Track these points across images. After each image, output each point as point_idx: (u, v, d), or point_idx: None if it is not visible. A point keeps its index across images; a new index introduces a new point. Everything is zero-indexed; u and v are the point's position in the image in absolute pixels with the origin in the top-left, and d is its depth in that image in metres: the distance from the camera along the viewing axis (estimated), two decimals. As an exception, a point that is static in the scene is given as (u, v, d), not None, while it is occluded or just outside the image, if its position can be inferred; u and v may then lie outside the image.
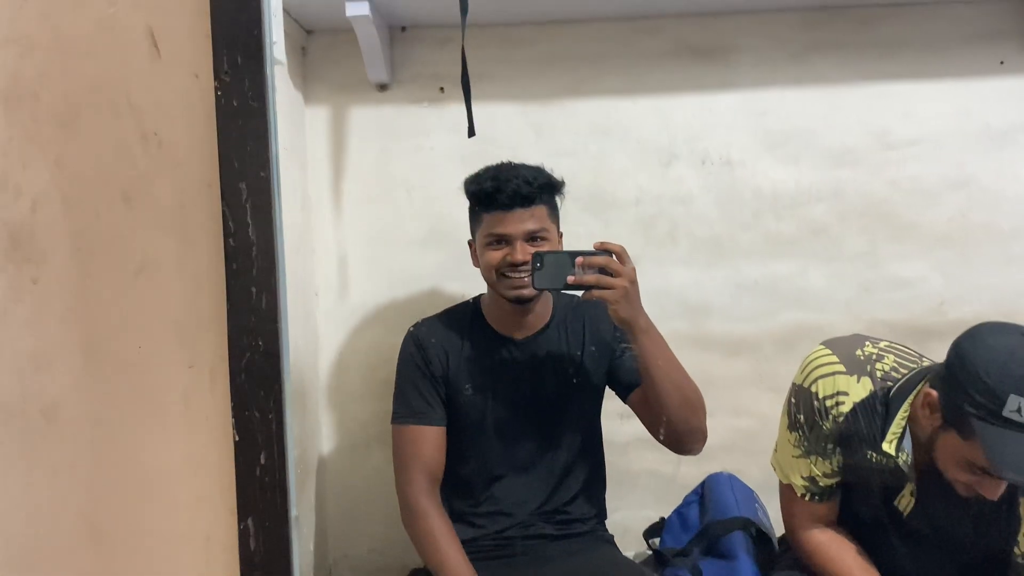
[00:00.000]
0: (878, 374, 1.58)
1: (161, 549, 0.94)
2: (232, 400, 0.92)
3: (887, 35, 2.14)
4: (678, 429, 1.67)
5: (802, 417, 1.63)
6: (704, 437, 1.71)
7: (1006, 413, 1.33)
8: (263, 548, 0.92)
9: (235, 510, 0.92)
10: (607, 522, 1.90)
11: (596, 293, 1.57)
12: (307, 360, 2.14)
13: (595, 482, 1.87)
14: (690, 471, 2.18)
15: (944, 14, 2.12)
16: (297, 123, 2.15)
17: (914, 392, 1.52)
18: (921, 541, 1.62)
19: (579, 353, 1.80)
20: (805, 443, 1.64)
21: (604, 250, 1.59)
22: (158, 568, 0.94)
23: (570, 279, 1.57)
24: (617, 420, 2.02)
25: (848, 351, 1.62)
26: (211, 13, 0.91)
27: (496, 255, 1.70)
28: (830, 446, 1.62)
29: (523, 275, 1.67)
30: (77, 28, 0.94)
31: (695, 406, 1.68)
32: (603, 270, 1.57)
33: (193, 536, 0.93)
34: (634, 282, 1.58)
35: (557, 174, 1.74)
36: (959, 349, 1.42)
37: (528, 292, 1.70)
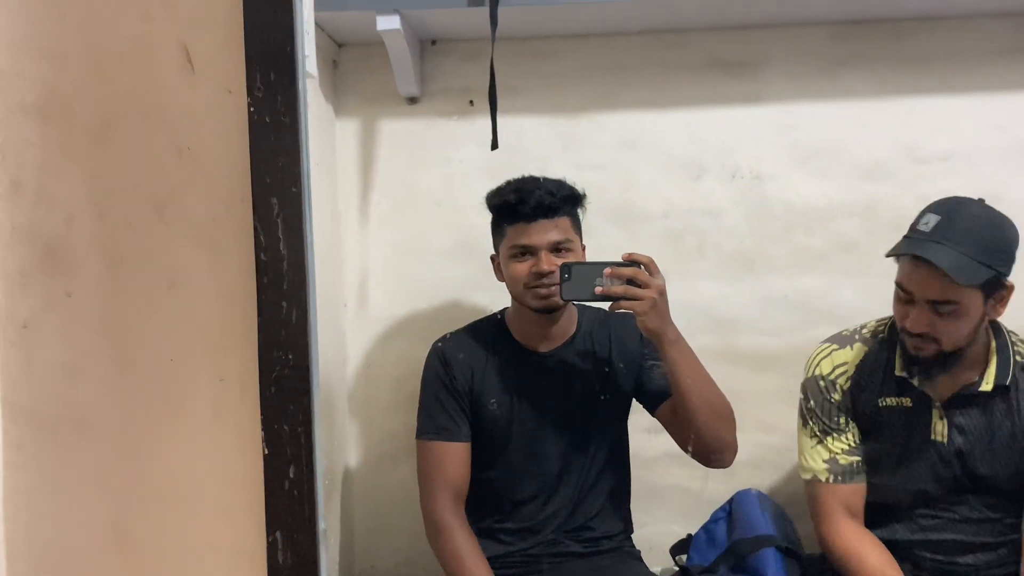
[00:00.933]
0: (866, 334, 1.78)
1: (189, 561, 0.95)
2: (262, 413, 0.92)
3: (918, 49, 2.12)
4: (708, 442, 1.67)
5: (812, 403, 1.76)
6: (735, 449, 1.70)
7: (918, 227, 1.59)
8: (291, 561, 0.92)
9: (263, 523, 0.92)
10: (634, 537, 1.89)
11: (624, 304, 1.57)
12: (335, 371, 2.15)
13: (621, 496, 1.87)
14: (718, 487, 2.17)
15: (975, 28, 2.10)
16: (327, 135, 2.16)
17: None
18: (970, 464, 1.67)
19: (605, 365, 1.80)
20: (819, 427, 1.74)
21: (632, 261, 1.58)
22: (187, 580, 0.95)
23: (598, 290, 1.57)
24: (645, 435, 2.02)
25: (836, 335, 1.81)
26: (244, 29, 0.91)
27: (522, 267, 1.70)
28: (842, 419, 1.73)
29: (550, 285, 1.68)
30: (112, 43, 0.95)
31: (725, 418, 1.68)
32: (631, 281, 1.56)
33: (221, 548, 0.94)
34: (663, 293, 1.58)
35: (580, 187, 1.74)
36: None
37: (555, 301, 1.70)
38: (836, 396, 1.74)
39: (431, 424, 1.78)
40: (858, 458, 1.73)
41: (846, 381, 1.74)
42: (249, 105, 0.92)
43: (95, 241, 0.95)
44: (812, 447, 1.76)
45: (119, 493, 0.95)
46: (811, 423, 1.77)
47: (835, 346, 1.79)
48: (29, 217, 0.95)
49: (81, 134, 0.95)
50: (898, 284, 1.62)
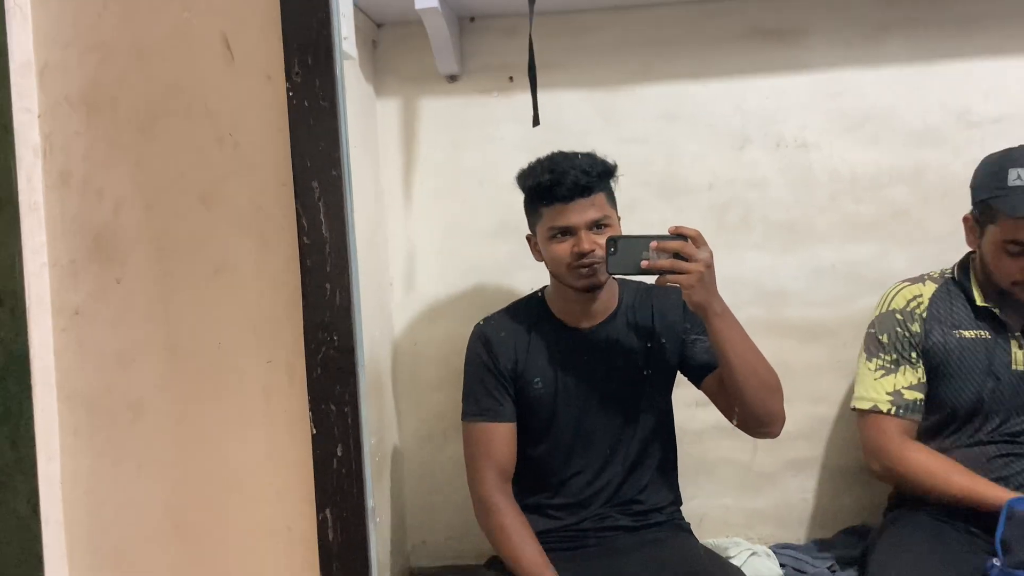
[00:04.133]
0: (935, 275, 1.88)
1: (242, 540, 0.97)
2: (309, 394, 0.94)
3: (966, 11, 2.07)
4: (755, 413, 1.66)
5: (885, 337, 1.84)
6: (782, 420, 1.69)
7: (1011, 183, 1.68)
8: (341, 538, 0.94)
9: (313, 501, 0.94)
10: (683, 510, 1.89)
11: (670, 278, 1.56)
12: (382, 351, 2.17)
13: (669, 469, 1.86)
14: (766, 459, 2.16)
15: (1025, -13, 2.05)
16: (368, 116, 2.17)
17: (970, 258, 1.84)
18: None
19: (648, 340, 1.79)
20: (890, 359, 1.82)
21: (679, 234, 1.57)
22: (240, 559, 0.97)
23: (644, 264, 1.56)
24: (692, 408, 2.01)
25: (906, 279, 1.90)
26: (282, 15, 0.92)
27: (562, 247, 1.70)
28: (914, 354, 1.81)
29: (591, 264, 1.67)
30: (154, 34, 0.97)
31: (772, 389, 1.66)
32: (678, 255, 1.55)
33: (273, 527, 0.96)
34: (710, 266, 1.56)
35: (611, 159, 1.73)
36: (975, 171, 1.78)
37: (599, 279, 1.70)
38: (915, 327, 1.82)
39: (475, 406, 1.79)
40: (920, 395, 1.79)
41: (923, 311, 1.82)
42: (288, 90, 0.93)
43: (142, 230, 0.97)
44: (876, 379, 1.83)
45: (173, 475, 0.97)
46: (880, 356, 1.84)
47: (907, 283, 1.88)
48: (78, 207, 0.97)
49: (126, 125, 0.97)
50: (1013, 240, 1.69)
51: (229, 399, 0.96)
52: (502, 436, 1.77)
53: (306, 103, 0.92)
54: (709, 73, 2.15)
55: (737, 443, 2.10)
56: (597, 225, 1.68)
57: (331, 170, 0.93)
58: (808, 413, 2.13)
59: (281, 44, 0.93)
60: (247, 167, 0.95)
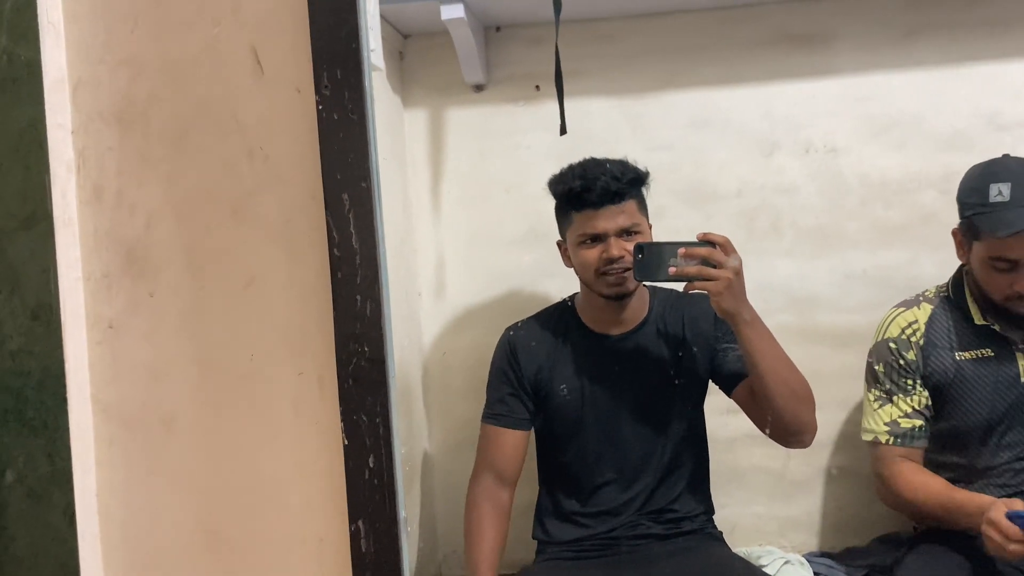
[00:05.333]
0: (930, 295, 1.85)
1: (276, 552, 0.97)
2: (340, 405, 0.94)
3: (993, 14, 2.05)
4: (786, 422, 1.64)
5: (880, 367, 1.81)
6: (814, 430, 1.67)
7: (992, 199, 1.65)
8: (373, 549, 0.94)
9: (345, 513, 0.94)
10: (715, 519, 1.88)
11: (698, 285, 1.55)
12: (411, 360, 2.18)
13: (700, 478, 1.85)
14: (799, 467, 2.14)
15: (1055, -11, 2.03)
16: (396, 126, 2.18)
17: (964, 272, 1.80)
18: None
19: (679, 348, 1.78)
20: (883, 389, 1.80)
21: (707, 241, 1.56)
22: (272, 571, 0.97)
23: (672, 271, 1.55)
24: (723, 416, 2.00)
25: (901, 301, 1.87)
26: (311, 29, 0.93)
27: (591, 254, 1.69)
28: (909, 381, 1.78)
29: (621, 271, 1.67)
30: (184, 49, 0.98)
31: (803, 398, 1.64)
32: (706, 262, 1.54)
33: (306, 539, 0.96)
34: (739, 273, 1.55)
35: (643, 166, 1.73)
36: (959, 185, 1.75)
37: (628, 287, 1.69)
38: (910, 355, 1.78)
39: (488, 408, 1.83)
40: (920, 422, 1.77)
41: (920, 338, 1.79)
42: (318, 103, 0.93)
43: (174, 244, 0.98)
44: (875, 409, 1.81)
45: (206, 487, 0.98)
46: (876, 386, 1.82)
47: (902, 309, 1.84)
48: (111, 222, 0.98)
49: (157, 140, 0.98)
50: (999, 258, 1.66)
51: (261, 411, 0.97)
52: (506, 441, 1.79)
53: (335, 116, 0.93)
54: (736, 79, 2.14)
55: (769, 451, 2.08)
56: (627, 232, 1.68)
57: (361, 182, 0.93)
58: (840, 420, 2.11)
59: (310, 58, 0.93)
60: (277, 180, 0.96)
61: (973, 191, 1.69)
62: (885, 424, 1.79)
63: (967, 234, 1.73)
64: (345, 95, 0.93)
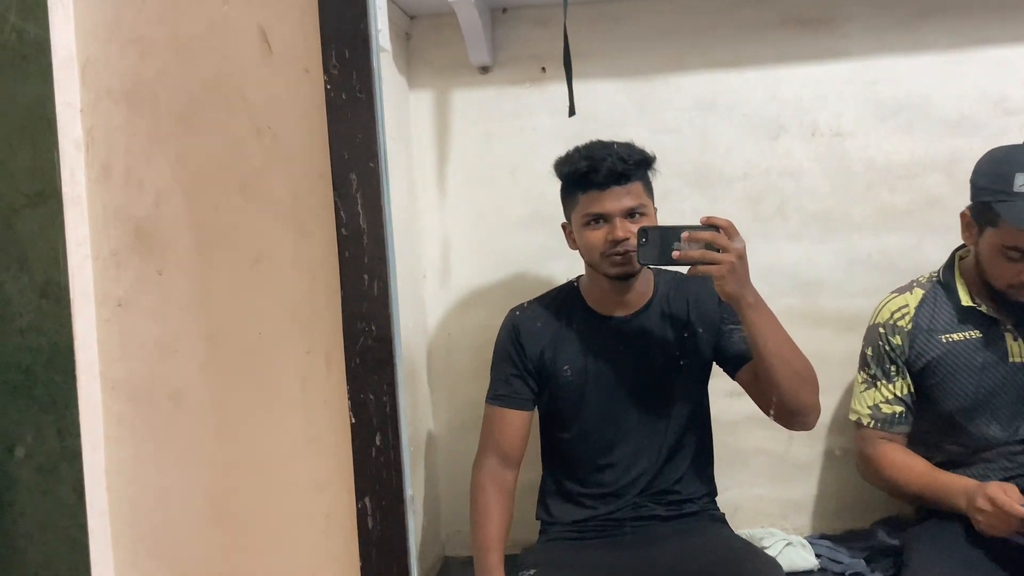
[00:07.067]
0: (923, 280, 1.87)
1: (283, 529, 0.98)
2: (348, 384, 0.95)
3: (1003, -3, 2.04)
4: (789, 405, 1.65)
5: (870, 351, 1.86)
6: (817, 412, 1.68)
7: (1016, 188, 1.63)
8: (380, 526, 0.95)
9: (352, 490, 0.95)
10: (718, 501, 1.89)
11: (702, 268, 1.55)
12: (416, 341, 2.18)
13: (704, 460, 1.86)
14: (801, 450, 2.15)
15: (1065, -29, 2.01)
16: (402, 108, 2.18)
17: (957, 255, 1.84)
18: None
19: (683, 330, 1.79)
20: (871, 372, 1.84)
21: (711, 225, 1.56)
22: (281, 547, 0.98)
23: (675, 254, 1.55)
24: (726, 398, 2.00)
25: (898, 287, 1.90)
26: (319, 9, 0.93)
27: (596, 235, 1.70)
28: (893, 368, 1.82)
29: (625, 252, 1.67)
30: (193, 28, 0.98)
31: (807, 381, 1.65)
32: (710, 245, 1.55)
33: (313, 516, 0.97)
34: (742, 257, 1.55)
35: (650, 149, 1.73)
36: (975, 166, 1.74)
37: (632, 268, 1.70)
38: (896, 340, 1.82)
39: (492, 389, 1.84)
40: (901, 409, 1.81)
41: (908, 323, 1.82)
42: (326, 83, 0.94)
43: (183, 222, 0.98)
44: (861, 392, 1.86)
45: (215, 464, 0.98)
46: (864, 369, 1.87)
47: (895, 294, 1.88)
48: (119, 200, 0.99)
49: (166, 118, 0.98)
50: (1014, 247, 1.65)
51: (268, 389, 0.98)
52: (510, 422, 1.80)
53: (343, 96, 0.93)
54: (743, 62, 2.13)
55: (772, 433, 2.09)
56: (632, 213, 1.68)
57: (368, 162, 0.93)
58: (844, 403, 2.11)
59: (319, 37, 0.93)
60: (285, 159, 0.96)
61: (996, 177, 1.68)
62: (868, 407, 1.83)
63: (980, 218, 1.72)
64: (353, 75, 0.93)
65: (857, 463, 1.92)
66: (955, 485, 1.68)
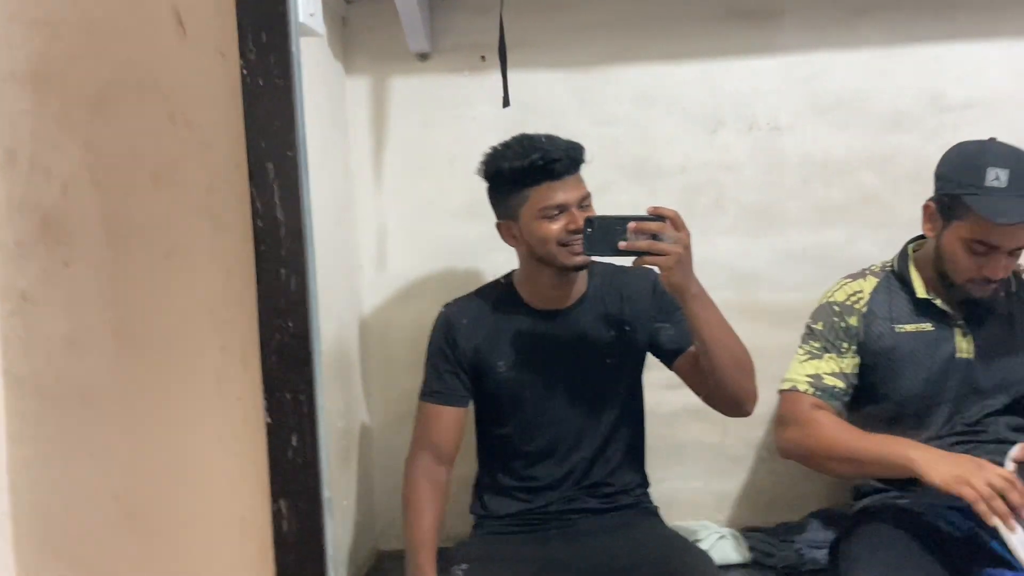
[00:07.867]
0: (876, 269, 1.86)
1: (196, 530, 0.95)
2: (263, 382, 0.92)
3: (940, -5, 2.06)
4: (730, 392, 1.67)
5: (820, 325, 1.81)
6: (755, 399, 1.71)
7: (988, 183, 1.62)
8: (296, 529, 0.92)
9: (268, 492, 0.92)
10: (652, 493, 1.89)
11: (648, 260, 1.53)
12: (351, 333, 2.15)
13: (637, 452, 1.87)
14: (736, 443, 2.16)
15: (999, -28, 2.04)
16: (338, 94, 2.14)
17: (910, 248, 1.83)
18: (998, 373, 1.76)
19: (616, 323, 1.78)
20: (818, 345, 1.79)
21: (658, 216, 1.54)
22: (193, 549, 0.95)
23: (622, 245, 1.53)
24: (663, 391, 2.00)
25: (849, 274, 1.88)
26: (235, -10, 0.89)
27: (555, 226, 1.67)
28: (846, 344, 1.78)
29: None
30: (104, 8, 0.93)
31: (746, 368, 1.68)
32: (656, 236, 1.53)
33: (227, 518, 0.94)
34: (687, 248, 1.54)
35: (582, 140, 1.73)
36: (942, 159, 1.73)
37: (587, 258, 1.68)
38: (852, 320, 1.79)
39: (426, 386, 1.83)
40: (841, 384, 1.76)
41: (864, 306, 1.80)
42: (242, 68, 0.90)
43: (92, 211, 0.94)
44: (801, 361, 1.80)
45: (124, 464, 0.95)
46: (809, 343, 1.81)
47: (848, 280, 1.86)
48: (24, 188, 0.94)
49: (75, 103, 0.94)
50: (980, 241, 1.64)
51: (182, 386, 0.94)
52: (444, 419, 1.79)
53: (260, 82, 0.89)
54: (684, 55, 2.13)
55: (707, 426, 2.10)
56: (583, 203, 1.68)
57: (286, 151, 0.90)
58: (777, 397, 2.12)
59: (235, 19, 0.89)
60: (200, 147, 0.92)
61: (967, 170, 1.66)
62: (808, 376, 1.76)
63: (946, 210, 1.70)
64: (271, 60, 0.89)
65: (778, 432, 1.80)
66: (900, 439, 1.61)
